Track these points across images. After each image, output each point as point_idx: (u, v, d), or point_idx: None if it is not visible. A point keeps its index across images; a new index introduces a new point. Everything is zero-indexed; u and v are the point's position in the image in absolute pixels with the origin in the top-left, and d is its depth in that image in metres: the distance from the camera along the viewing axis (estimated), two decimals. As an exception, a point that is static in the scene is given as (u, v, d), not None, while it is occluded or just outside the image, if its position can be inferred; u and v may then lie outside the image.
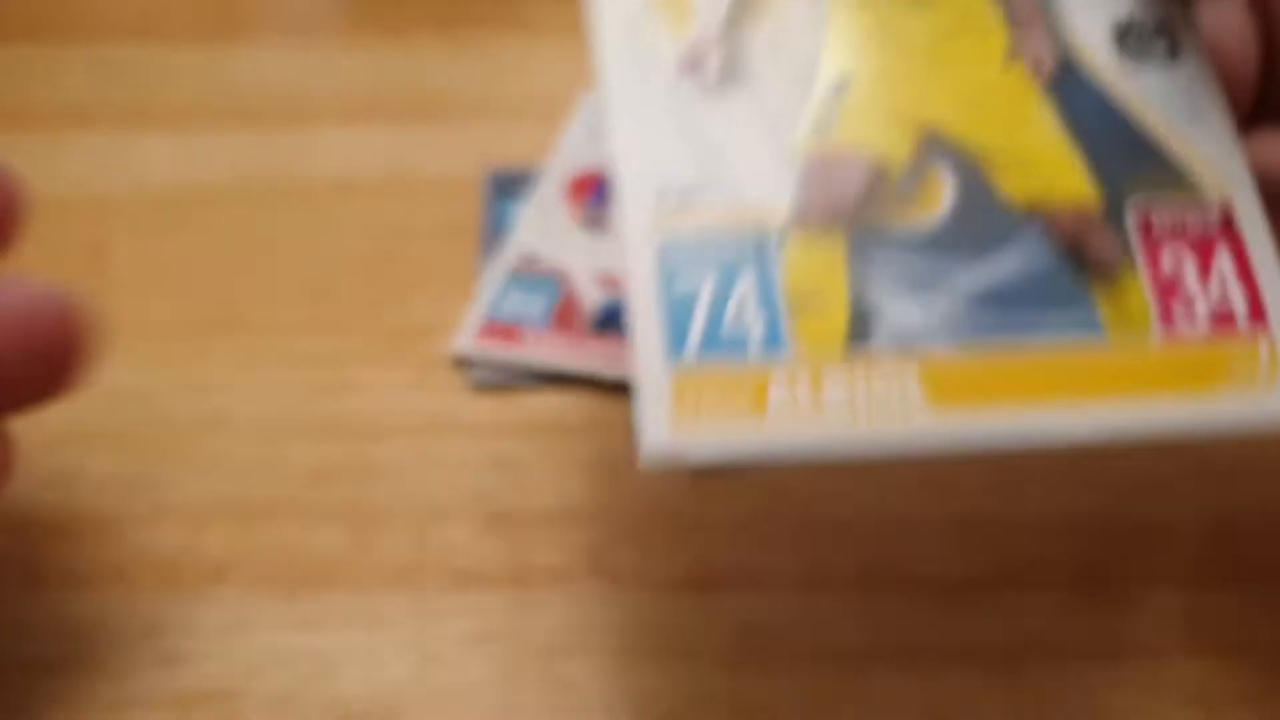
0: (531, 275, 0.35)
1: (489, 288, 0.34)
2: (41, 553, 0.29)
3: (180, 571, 0.28)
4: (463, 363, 0.33)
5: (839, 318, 0.17)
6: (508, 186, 0.37)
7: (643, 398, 0.17)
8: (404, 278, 0.35)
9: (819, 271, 0.17)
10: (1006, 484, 0.30)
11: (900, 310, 0.17)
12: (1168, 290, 0.19)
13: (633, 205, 0.18)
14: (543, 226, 0.36)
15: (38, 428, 0.31)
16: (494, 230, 0.36)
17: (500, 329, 0.33)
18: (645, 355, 0.17)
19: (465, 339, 0.33)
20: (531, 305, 0.34)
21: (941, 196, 0.18)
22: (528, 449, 0.31)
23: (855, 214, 0.18)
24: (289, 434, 0.31)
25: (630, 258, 0.18)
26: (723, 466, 0.19)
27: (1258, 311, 0.19)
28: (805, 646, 0.27)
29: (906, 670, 0.27)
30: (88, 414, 0.32)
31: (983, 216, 0.18)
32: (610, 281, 0.34)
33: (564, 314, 0.34)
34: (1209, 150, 0.20)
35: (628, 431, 0.31)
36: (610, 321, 0.33)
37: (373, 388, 0.33)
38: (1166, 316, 0.19)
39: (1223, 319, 0.19)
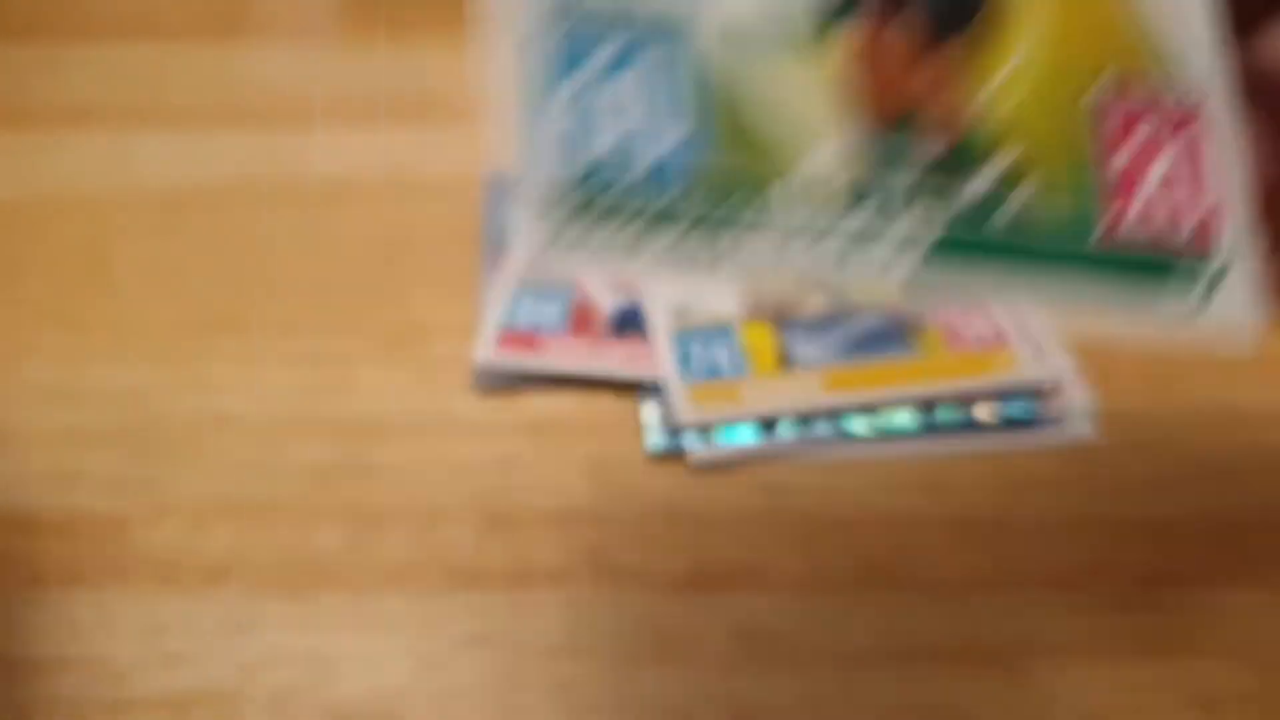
0: (541, 282, 0.34)
1: (500, 297, 0.34)
2: (42, 552, 0.29)
3: (180, 571, 0.28)
4: (485, 375, 0.33)
5: (771, 355, 0.32)
6: (509, 188, 0.37)
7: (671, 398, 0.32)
8: (404, 278, 0.35)
9: (757, 337, 0.33)
10: (1006, 484, 0.30)
11: (805, 349, 0.32)
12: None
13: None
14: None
15: (38, 427, 0.31)
16: (495, 232, 0.36)
17: (519, 338, 0.33)
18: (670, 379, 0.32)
19: (485, 350, 0.33)
20: (547, 312, 0.34)
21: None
22: (528, 449, 0.31)
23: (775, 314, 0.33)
24: (289, 434, 0.31)
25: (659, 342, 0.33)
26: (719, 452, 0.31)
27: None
28: (805, 646, 0.27)
29: (907, 670, 0.27)
30: (88, 414, 0.32)
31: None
32: (622, 285, 0.34)
33: (581, 318, 0.34)
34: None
35: (628, 431, 0.31)
36: (628, 323, 0.33)
37: (373, 388, 0.33)
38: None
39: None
